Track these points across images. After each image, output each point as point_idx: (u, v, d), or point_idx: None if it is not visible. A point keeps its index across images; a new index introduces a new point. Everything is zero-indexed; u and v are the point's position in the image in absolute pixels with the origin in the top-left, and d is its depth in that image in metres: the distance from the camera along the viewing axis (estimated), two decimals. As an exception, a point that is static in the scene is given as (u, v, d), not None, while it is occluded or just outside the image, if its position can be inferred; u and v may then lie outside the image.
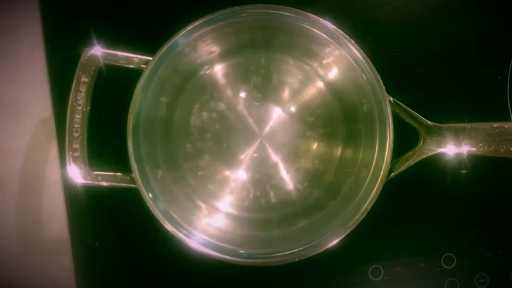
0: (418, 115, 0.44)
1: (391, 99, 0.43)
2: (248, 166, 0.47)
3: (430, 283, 0.48)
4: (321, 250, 0.40)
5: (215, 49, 0.46)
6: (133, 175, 0.40)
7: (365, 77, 0.42)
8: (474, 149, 0.43)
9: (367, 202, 0.40)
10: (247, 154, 0.47)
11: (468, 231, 0.49)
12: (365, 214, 0.40)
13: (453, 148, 0.43)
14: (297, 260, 0.40)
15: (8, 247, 0.44)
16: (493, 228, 0.49)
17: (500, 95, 0.49)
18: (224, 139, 0.47)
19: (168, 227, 0.40)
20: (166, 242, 0.41)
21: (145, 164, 0.42)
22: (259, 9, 0.42)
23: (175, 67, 0.44)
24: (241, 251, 0.41)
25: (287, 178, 0.48)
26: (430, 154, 0.43)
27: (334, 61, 0.45)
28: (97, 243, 0.45)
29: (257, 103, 0.48)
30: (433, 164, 0.45)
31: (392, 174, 0.42)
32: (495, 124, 0.42)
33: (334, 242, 0.40)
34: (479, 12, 0.51)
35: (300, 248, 0.41)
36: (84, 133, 0.40)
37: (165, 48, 0.41)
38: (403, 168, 0.43)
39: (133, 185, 0.41)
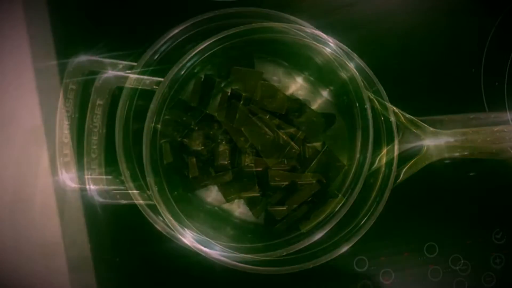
0: (421, 122, 0.45)
1: (394, 109, 0.44)
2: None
3: (438, 283, 0.49)
4: (335, 256, 0.41)
5: (223, 67, 0.47)
6: (150, 193, 0.41)
7: (368, 90, 0.43)
8: (475, 152, 0.44)
9: (377, 209, 0.42)
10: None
11: (472, 234, 0.50)
12: (374, 220, 0.42)
13: (454, 153, 0.44)
14: (311, 266, 0.41)
15: (31, 266, 0.44)
16: (496, 229, 0.51)
17: (499, 101, 0.50)
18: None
19: (187, 240, 0.41)
20: (185, 255, 0.42)
21: (163, 181, 0.42)
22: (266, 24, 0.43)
23: (187, 87, 0.45)
24: (259, 260, 0.41)
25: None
26: (433, 159, 0.44)
27: (335, 72, 0.45)
28: (117, 259, 0.45)
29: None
30: (432, 168, 0.45)
31: (398, 180, 0.44)
32: (495, 128, 0.44)
33: (347, 247, 0.42)
34: (468, 22, 0.52)
35: (315, 254, 0.42)
36: (101, 154, 0.41)
37: (176, 69, 0.42)
38: (408, 174, 0.44)
39: (150, 202, 0.41)
